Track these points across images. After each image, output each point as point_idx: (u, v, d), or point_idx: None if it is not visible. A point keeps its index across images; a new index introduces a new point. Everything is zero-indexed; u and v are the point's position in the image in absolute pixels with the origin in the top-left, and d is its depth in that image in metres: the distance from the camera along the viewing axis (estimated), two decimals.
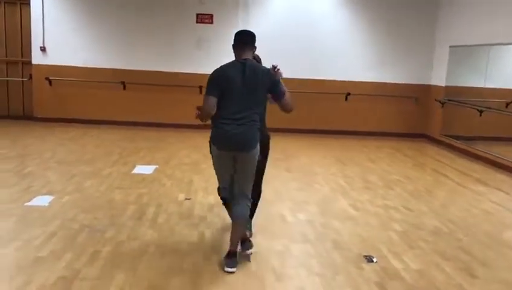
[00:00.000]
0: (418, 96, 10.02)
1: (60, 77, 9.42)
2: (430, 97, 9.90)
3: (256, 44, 3.61)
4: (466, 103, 8.70)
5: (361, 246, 4.15)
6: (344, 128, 9.92)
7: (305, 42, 9.61)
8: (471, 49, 8.70)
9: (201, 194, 5.32)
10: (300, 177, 6.40)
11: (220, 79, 3.45)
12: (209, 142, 3.59)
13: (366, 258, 3.89)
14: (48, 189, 5.21)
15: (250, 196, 3.63)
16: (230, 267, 3.50)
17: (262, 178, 4.01)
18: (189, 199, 5.13)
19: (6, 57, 9.56)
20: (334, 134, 9.71)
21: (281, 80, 3.64)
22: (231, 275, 3.44)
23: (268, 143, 3.96)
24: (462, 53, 9.01)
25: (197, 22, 9.48)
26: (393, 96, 9.93)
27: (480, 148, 8.21)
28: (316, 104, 9.82)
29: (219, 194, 3.77)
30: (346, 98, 9.90)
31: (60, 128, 8.94)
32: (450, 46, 9.27)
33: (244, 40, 3.57)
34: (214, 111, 3.44)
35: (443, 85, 9.49)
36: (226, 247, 3.78)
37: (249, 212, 3.68)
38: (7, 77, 9.62)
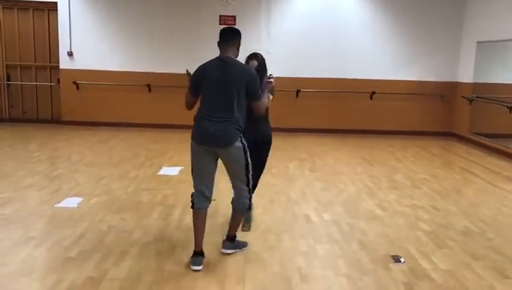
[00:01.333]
0: (445, 93, 9.85)
1: (86, 81, 9.60)
2: (457, 94, 9.73)
3: (238, 41, 3.58)
4: (494, 100, 8.50)
5: (389, 247, 4.09)
6: (369, 128, 9.82)
7: (328, 41, 9.56)
8: (499, 45, 8.51)
9: (226, 195, 5.28)
10: (325, 177, 6.36)
11: (198, 75, 3.56)
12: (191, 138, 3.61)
13: (393, 259, 3.84)
14: (77, 191, 5.32)
15: (246, 187, 3.65)
16: (226, 249, 3.81)
17: (259, 175, 4.23)
18: (214, 200, 5.13)
19: (34, 62, 9.79)
20: (359, 133, 9.62)
21: (265, 88, 3.67)
22: (257, 276, 3.45)
23: (268, 142, 4.21)
24: (489, 49, 8.82)
25: (220, 24, 9.52)
26: (420, 94, 9.79)
27: (511, 146, 8.02)
28: (340, 103, 9.76)
29: (191, 197, 3.70)
30: (371, 97, 9.80)
31: (88, 131, 9.11)
32: (477, 42, 9.08)
33: (225, 38, 3.56)
34: (191, 105, 3.66)
35: (471, 82, 9.30)
36: (251, 247, 3.81)
37: (247, 205, 3.75)
38: (36, 81, 9.85)
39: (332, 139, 9.01)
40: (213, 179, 3.70)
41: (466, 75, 9.49)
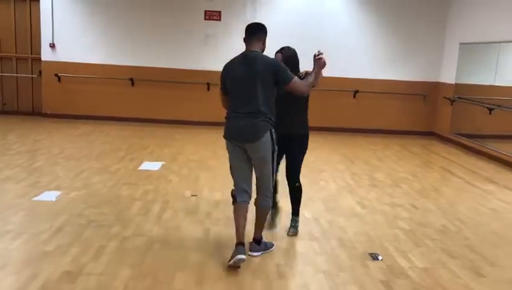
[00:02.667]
0: (427, 93, 9.95)
1: (69, 74, 9.48)
2: (439, 95, 9.84)
3: (263, 36, 3.60)
4: (475, 101, 8.62)
5: (367, 244, 4.13)
6: (352, 126, 9.88)
7: (313, 39, 9.47)
8: (481, 47, 8.62)
9: (207, 191, 5.32)
10: (306, 174, 6.28)
11: (224, 73, 3.62)
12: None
13: (371, 256, 3.87)
14: (56, 184, 5.25)
15: (270, 186, 3.66)
16: (252, 251, 3.71)
17: (299, 172, 4.15)
18: (195, 195, 5.14)
19: (16, 53, 9.63)
20: (342, 131, 9.67)
21: (316, 66, 3.66)
22: (235, 272, 3.44)
23: (296, 140, 4.09)
24: (472, 50, 8.93)
25: (205, 19, 9.48)
26: (402, 93, 9.87)
27: (490, 146, 8.14)
28: (323, 101, 9.75)
29: (231, 193, 3.72)
30: (354, 96, 9.86)
31: (69, 124, 9.00)
32: (460, 43, 9.19)
33: (250, 32, 3.59)
34: (225, 103, 3.67)
35: (453, 82, 9.41)
36: (231, 243, 3.80)
37: (269, 205, 3.75)
38: (17, 73, 9.70)
39: (315, 137, 8.94)
40: (251, 174, 3.68)
41: (448, 75, 9.60)
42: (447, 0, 9.69)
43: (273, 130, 3.55)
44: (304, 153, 4.19)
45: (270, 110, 3.54)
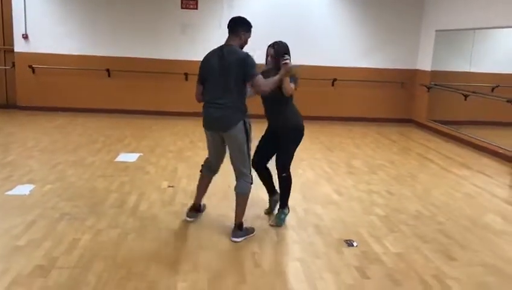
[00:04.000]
0: (404, 81, 10.04)
1: (43, 65, 9.29)
2: (416, 82, 9.93)
3: (240, 30, 3.73)
4: (451, 88, 8.72)
5: (343, 231, 4.16)
6: (330, 115, 9.92)
7: (290, 27, 9.52)
8: (456, 33, 8.71)
9: (185, 182, 5.30)
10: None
11: (201, 65, 3.82)
12: None
13: (346, 243, 3.90)
14: (30, 178, 5.17)
15: (248, 173, 3.82)
16: (234, 237, 3.81)
17: (287, 163, 4.17)
18: (172, 186, 5.12)
19: None
20: (320, 120, 9.68)
21: (282, 70, 3.72)
22: (210, 261, 3.44)
23: (285, 133, 4.13)
24: (447, 37, 9.01)
25: (181, 8, 9.37)
26: (380, 81, 9.93)
27: (465, 132, 8.26)
28: (302, 90, 9.62)
29: (203, 163, 4.14)
30: (332, 84, 9.89)
31: (44, 117, 8.84)
32: (436, 30, 9.26)
33: (229, 26, 3.76)
34: (200, 96, 3.86)
35: (429, 70, 9.50)
36: (208, 233, 3.81)
37: (248, 189, 3.84)
38: None
39: None
40: (221, 159, 4.03)
41: (425, 63, 9.69)
42: None
43: (247, 120, 3.74)
44: (290, 145, 4.17)
45: (242, 101, 3.74)
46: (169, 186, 5.10)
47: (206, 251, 3.62)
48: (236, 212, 3.89)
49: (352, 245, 3.87)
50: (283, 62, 3.74)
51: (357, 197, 5.11)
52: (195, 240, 3.81)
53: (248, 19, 3.83)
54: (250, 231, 3.93)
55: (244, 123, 3.70)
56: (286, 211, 4.29)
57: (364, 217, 4.52)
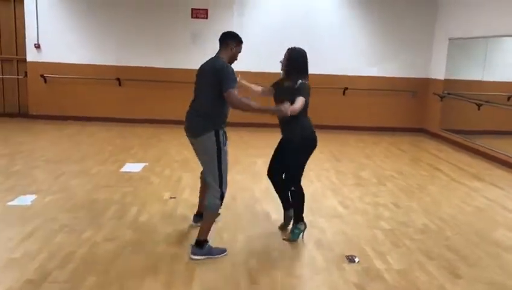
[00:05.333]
0: (417, 90, 9.87)
1: (55, 74, 9.37)
2: (428, 91, 9.76)
3: (229, 44, 3.75)
4: (464, 97, 8.54)
5: (345, 246, 4.05)
6: (341, 124, 9.80)
7: (301, 37, 9.43)
8: (469, 42, 8.54)
9: (187, 193, 5.24)
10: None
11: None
12: None
13: (348, 259, 3.79)
14: (33, 188, 5.16)
15: (217, 187, 3.62)
16: (191, 254, 3.64)
17: (295, 176, 4.06)
18: (174, 197, 5.06)
19: (0, 54, 9.52)
20: (331, 129, 9.57)
21: (274, 111, 3.81)
22: (205, 278, 3.37)
23: (290, 145, 4.05)
24: (461, 46, 8.84)
25: (192, 17, 9.38)
26: (392, 90, 9.79)
27: (479, 142, 8.07)
28: (313, 99, 9.57)
29: None
30: (344, 93, 9.77)
31: (55, 126, 8.90)
32: (449, 39, 9.10)
33: (220, 39, 3.82)
34: None
35: (442, 78, 9.33)
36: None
37: (214, 205, 3.64)
38: (2, 74, 9.59)
39: None
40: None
41: (438, 71, 9.52)
42: None
43: (220, 131, 3.62)
44: (297, 157, 4.06)
45: (215, 111, 3.61)
46: (171, 198, 5.05)
47: (202, 266, 3.54)
48: (200, 227, 3.73)
49: (354, 261, 3.76)
50: (281, 106, 3.71)
51: (362, 210, 4.99)
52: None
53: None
54: (215, 251, 3.70)
55: (217, 134, 3.58)
56: (301, 226, 4.16)
57: (368, 231, 4.40)
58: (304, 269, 3.61)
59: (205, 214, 3.72)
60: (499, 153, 7.44)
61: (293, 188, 4.11)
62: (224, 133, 3.69)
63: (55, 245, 3.74)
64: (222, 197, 3.65)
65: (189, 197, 5.06)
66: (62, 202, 4.76)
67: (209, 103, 3.61)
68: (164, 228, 4.22)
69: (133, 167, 6.17)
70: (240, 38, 3.79)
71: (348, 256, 3.83)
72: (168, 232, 4.12)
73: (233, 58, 3.80)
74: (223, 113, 3.66)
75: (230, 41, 3.75)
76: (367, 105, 9.88)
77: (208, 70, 3.64)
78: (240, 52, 3.83)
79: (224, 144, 3.65)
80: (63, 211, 4.49)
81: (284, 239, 4.12)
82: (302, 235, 4.14)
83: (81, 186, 5.31)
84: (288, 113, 3.68)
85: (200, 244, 3.64)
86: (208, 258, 3.63)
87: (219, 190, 3.62)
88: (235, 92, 3.53)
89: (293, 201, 4.20)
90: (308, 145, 4.08)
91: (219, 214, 4.01)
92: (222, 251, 3.75)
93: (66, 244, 3.77)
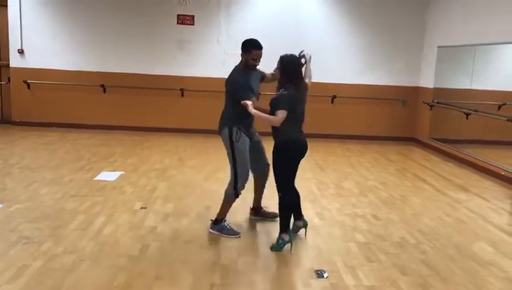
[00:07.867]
0: (406, 98, 9.72)
1: (38, 80, 9.23)
2: (418, 99, 9.62)
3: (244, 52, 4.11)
4: (453, 106, 8.40)
5: (316, 260, 3.88)
6: (329, 132, 9.62)
7: (289, 43, 9.26)
8: (457, 50, 8.41)
9: (159, 203, 5.08)
10: (271, 183, 6.11)
11: None
12: None
13: (317, 273, 3.62)
14: (0, 196, 5.00)
15: (233, 179, 4.14)
16: (210, 228, 4.27)
17: (277, 182, 4.09)
18: (145, 207, 4.90)
19: None
20: (318, 138, 9.35)
21: (305, 63, 4.51)
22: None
23: (277, 149, 3.96)
24: (449, 54, 8.71)
25: (177, 23, 9.26)
26: (381, 98, 9.64)
27: (467, 152, 7.91)
28: None
29: None
30: (332, 101, 9.63)
31: (37, 132, 8.74)
32: (438, 47, 8.98)
33: None
34: None
35: (431, 87, 9.19)
36: (166, 260, 3.56)
37: (229, 195, 4.20)
38: None
39: None
40: (253, 161, 4.38)
41: (427, 80, 9.39)
42: (425, 3, 9.49)
43: (234, 128, 4.06)
44: (277, 164, 4.01)
45: (235, 114, 4.06)
46: (142, 208, 4.88)
47: (161, 281, 3.37)
48: (220, 208, 4.28)
49: (323, 276, 3.59)
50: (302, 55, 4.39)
51: (339, 222, 4.82)
52: (152, 268, 3.56)
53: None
54: (228, 232, 4.20)
55: (231, 130, 4.05)
56: (285, 237, 4.01)
57: (342, 245, 4.23)
58: (268, 284, 3.45)
59: (224, 199, 4.24)
60: (486, 163, 7.29)
61: (279, 194, 4.06)
62: (240, 130, 4.07)
63: (10, 258, 3.57)
64: (236, 196, 4.20)
65: (160, 208, 4.90)
66: (27, 211, 4.59)
67: (230, 108, 4.13)
68: (128, 240, 4.04)
69: (108, 176, 6.01)
70: (249, 45, 4.06)
71: (317, 271, 3.66)
72: (130, 245, 3.95)
73: (247, 65, 4.10)
74: (242, 116, 3.98)
75: (241, 50, 4.10)
76: (355, 113, 9.73)
77: (226, 80, 4.12)
78: (253, 58, 4.05)
79: (237, 140, 4.05)
80: (26, 222, 4.32)
81: (270, 248, 4.02)
82: (291, 247, 3.98)
83: (50, 195, 5.14)
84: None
85: (216, 222, 4.23)
86: (220, 234, 4.20)
87: (233, 190, 4.15)
88: (247, 102, 3.84)
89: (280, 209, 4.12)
90: (286, 152, 3.98)
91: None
92: (234, 233, 4.22)
93: (21, 257, 3.60)
